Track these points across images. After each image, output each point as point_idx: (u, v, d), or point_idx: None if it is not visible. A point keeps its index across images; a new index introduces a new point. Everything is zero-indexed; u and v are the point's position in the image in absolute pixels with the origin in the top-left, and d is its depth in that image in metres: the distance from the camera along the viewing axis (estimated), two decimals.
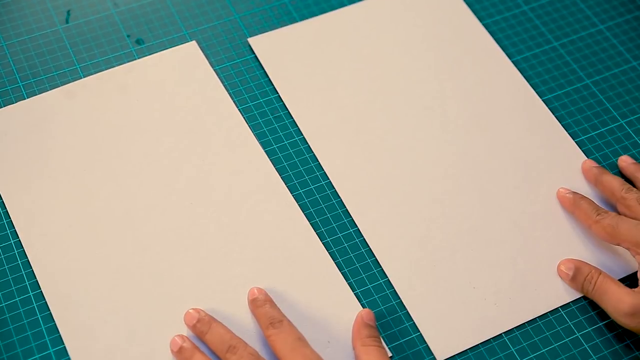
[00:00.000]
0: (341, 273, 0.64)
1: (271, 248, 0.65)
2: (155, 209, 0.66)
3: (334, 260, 0.64)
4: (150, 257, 0.64)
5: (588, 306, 0.64)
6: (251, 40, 0.76)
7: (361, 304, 0.63)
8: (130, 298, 0.62)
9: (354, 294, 0.63)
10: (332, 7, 0.79)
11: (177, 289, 0.62)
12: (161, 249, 0.64)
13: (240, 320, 0.61)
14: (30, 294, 0.62)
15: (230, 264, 0.64)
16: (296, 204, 0.67)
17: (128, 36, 0.76)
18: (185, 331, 0.60)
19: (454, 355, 0.61)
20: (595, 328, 0.63)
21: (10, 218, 0.65)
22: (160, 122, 0.71)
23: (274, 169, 0.68)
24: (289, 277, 0.63)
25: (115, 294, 0.62)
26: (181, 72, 0.74)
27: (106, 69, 0.74)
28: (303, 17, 0.79)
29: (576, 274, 0.63)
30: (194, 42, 0.75)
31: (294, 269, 0.64)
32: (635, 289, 0.60)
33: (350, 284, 0.64)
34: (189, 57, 0.75)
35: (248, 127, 0.71)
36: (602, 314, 0.63)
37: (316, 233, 0.66)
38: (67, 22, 0.77)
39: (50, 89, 0.72)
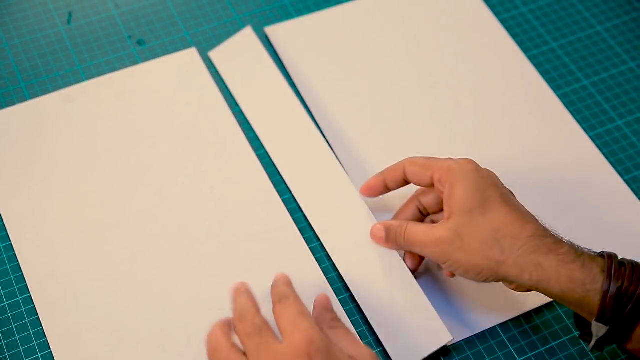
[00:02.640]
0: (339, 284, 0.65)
1: (262, 258, 0.65)
2: (147, 216, 0.66)
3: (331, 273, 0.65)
4: (141, 264, 0.64)
5: None
6: (267, 30, 0.77)
7: (350, 311, 0.63)
8: (119, 306, 0.62)
9: (346, 298, 0.64)
10: (331, 6, 0.80)
11: (167, 297, 0.62)
12: (152, 257, 0.64)
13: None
14: (19, 298, 0.62)
15: (221, 273, 0.64)
16: (288, 214, 0.67)
17: (129, 37, 0.77)
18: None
19: (455, 345, 0.62)
20: None
21: (1, 221, 0.66)
22: (156, 129, 0.71)
23: (268, 178, 0.69)
24: None
25: (105, 301, 0.62)
26: (180, 79, 0.74)
27: (108, 70, 0.74)
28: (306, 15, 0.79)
29: (387, 234, 0.62)
30: (194, 49, 0.76)
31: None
32: (436, 224, 0.59)
33: (342, 299, 0.64)
34: (188, 63, 0.75)
35: (244, 136, 0.71)
36: None
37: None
38: (69, 22, 0.77)
39: (52, 90, 0.73)
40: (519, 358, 0.62)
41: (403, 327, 0.61)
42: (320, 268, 0.64)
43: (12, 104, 0.72)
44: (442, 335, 0.60)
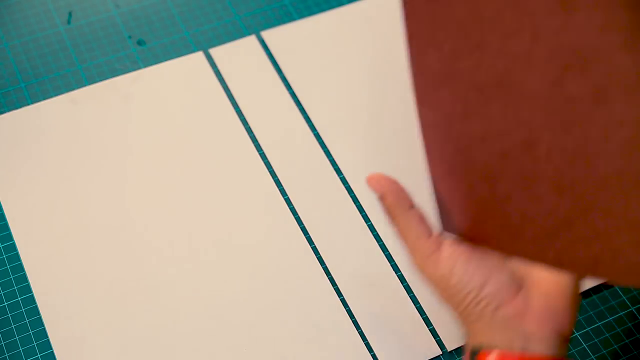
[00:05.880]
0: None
1: (267, 264, 0.64)
2: (152, 221, 0.66)
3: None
4: (146, 269, 0.64)
5: (587, 306, 0.64)
6: (264, 34, 0.77)
7: (351, 314, 0.63)
8: (123, 311, 0.61)
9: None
10: (333, 7, 0.80)
11: (172, 302, 0.62)
12: (157, 262, 0.64)
13: (234, 335, 0.61)
14: (19, 298, 0.62)
15: (225, 279, 0.63)
16: (294, 220, 0.67)
17: (129, 37, 0.77)
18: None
19: (458, 348, 0.62)
20: (594, 328, 0.63)
21: (4, 221, 0.65)
22: (163, 133, 0.70)
23: (274, 184, 0.68)
24: (283, 294, 0.63)
25: (109, 306, 0.62)
26: (186, 83, 0.73)
27: (108, 70, 0.74)
28: (304, 18, 0.79)
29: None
30: (200, 53, 0.75)
31: (289, 286, 0.64)
32: None
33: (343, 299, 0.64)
34: (195, 67, 0.74)
35: (251, 142, 0.71)
36: (600, 314, 0.64)
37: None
38: (69, 22, 0.77)
39: (52, 90, 0.72)
40: None
41: (394, 335, 0.62)
42: (322, 268, 0.65)
43: (12, 104, 0.72)
44: (431, 348, 0.61)
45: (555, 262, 0.46)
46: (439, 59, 0.45)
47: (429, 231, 0.51)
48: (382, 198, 0.52)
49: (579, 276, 0.50)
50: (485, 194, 0.47)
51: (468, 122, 0.45)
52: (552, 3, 0.39)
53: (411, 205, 0.52)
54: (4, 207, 0.66)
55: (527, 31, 0.41)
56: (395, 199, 0.52)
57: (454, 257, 0.50)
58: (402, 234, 0.52)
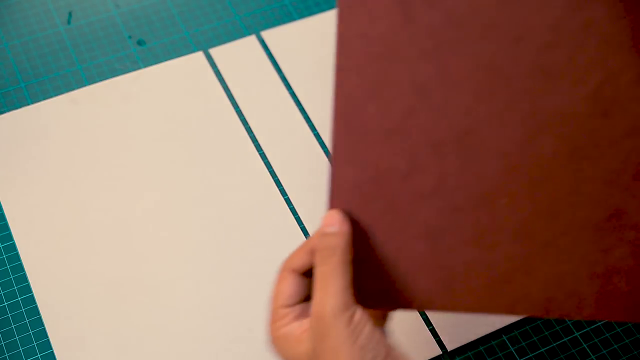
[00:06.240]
0: None
1: (267, 264, 0.64)
2: (152, 220, 0.66)
3: None
4: (145, 269, 0.63)
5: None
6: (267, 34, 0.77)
7: None
8: (123, 310, 0.61)
9: None
10: (333, 8, 0.80)
11: (172, 302, 0.62)
12: (158, 261, 0.64)
13: (235, 333, 0.62)
14: (19, 298, 0.62)
15: (224, 279, 0.63)
16: (294, 220, 0.67)
17: (129, 37, 0.77)
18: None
19: (458, 348, 0.62)
20: (594, 328, 0.63)
21: (4, 221, 0.65)
22: (163, 133, 0.71)
23: (274, 184, 0.68)
24: None
25: (109, 305, 0.62)
26: (186, 83, 0.73)
27: (108, 70, 0.74)
28: (303, 18, 0.79)
29: None
30: (200, 53, 0.75)
31: None
32: None
33: None
34: (195, 67, 0.74)
35: (251, 142, 0.71)
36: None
37: None
38: (69, 22, 0.77)
39: (52, 90, 0.72)
40: (520, 359, 0.62)
41: (394, 335, 0.61)
42: None
43: (12, 104, 0.72)
44: (431, 348, 0.61)
45: (508, 307, 0.48)
46: (383, 115, 0.45)
47: (352, 288, 0.47)
48: (337, 235, 0.47)
49: (532, 316, 0.50)
50: (420, 250, 0.47)
51: (413, 179, 0.45)
52: (532, 71, 0.43)
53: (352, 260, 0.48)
54: (4, 207, 0.66)
55: (501, 94, 0.43)
56: (348, 244, 0.47)
57: (364, 322, 0.47)
58: (329, 279, 0.47)
